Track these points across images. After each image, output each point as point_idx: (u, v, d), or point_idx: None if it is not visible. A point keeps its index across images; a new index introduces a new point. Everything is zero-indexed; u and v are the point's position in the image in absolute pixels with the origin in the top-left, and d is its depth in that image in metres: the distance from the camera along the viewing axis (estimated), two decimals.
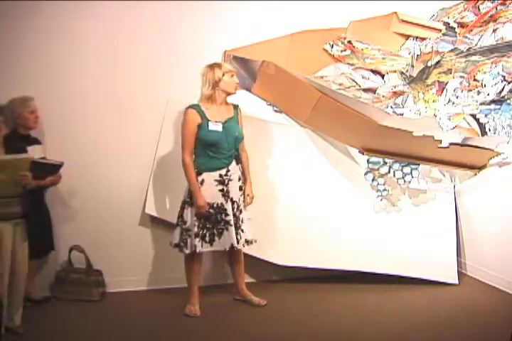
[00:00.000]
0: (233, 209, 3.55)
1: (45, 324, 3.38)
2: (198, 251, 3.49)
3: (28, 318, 3.32)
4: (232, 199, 3.55)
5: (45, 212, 3.61)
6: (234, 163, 3.57)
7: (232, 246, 3.52)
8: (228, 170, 3.53)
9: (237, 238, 3.54)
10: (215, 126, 3.46)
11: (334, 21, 4.21)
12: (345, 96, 3.72)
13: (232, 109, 3.60)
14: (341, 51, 4.21)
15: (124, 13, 3.81)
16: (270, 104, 4.07)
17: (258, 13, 4.05)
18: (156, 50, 3.89)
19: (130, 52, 3.86)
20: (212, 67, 3.49)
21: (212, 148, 3.47)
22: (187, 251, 3.52)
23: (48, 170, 3.30)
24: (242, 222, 3.59)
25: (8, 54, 3.62)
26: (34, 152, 3.29)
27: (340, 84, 4.08)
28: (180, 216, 3.54)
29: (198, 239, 3.47)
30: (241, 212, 3.60)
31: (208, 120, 3.46)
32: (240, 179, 3.61)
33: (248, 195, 3.66)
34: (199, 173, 3.48)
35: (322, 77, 4.12)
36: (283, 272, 4.09)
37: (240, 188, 3.61)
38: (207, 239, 3.49)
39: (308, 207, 4.07)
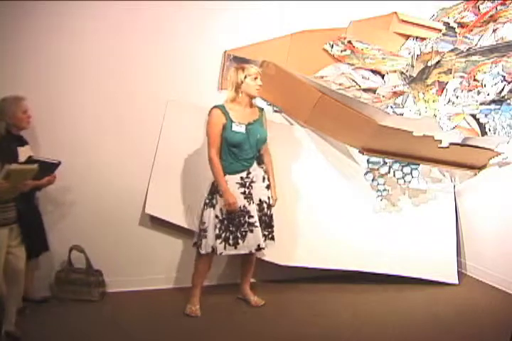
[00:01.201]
0: (262, 209, 3.56)
1: (45, 324, 3.38)
2: (220, 253, 3.49)
3: (28, 318, 3.33)
4: (259, 200, 3.55)
5: (37, 213, 3.60)
6: (255, 164, 3.56)
7: (258, 248, 3.52)
8: (249, 173, 3.52)
9: (274, 237, 3.60)
10: (238, 128, 3.46)
11: (334, 21, 4.21)
12: (345, 96, 3.72)
13: (258, 111, 3.60)
14: (341, 51, 4.21)
15: (124, 13, 3.80)
16: (270, 104, 4.07)
17: (258, 13, 4.05)
18: (156, 50, 3.88)
19: (130, 52, 3.85)
20: (237, 69, 3.49)
21: (234, 150, 3.46)
22: (202, 252, 3.52)
23: (47, 170, 3.29)
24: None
25: (8, 54, 3.61)
26: (26, 152, 3.28)
27: (340, 84, 4.09)
28: (201, 216, 3.56)
29: (219, 241, 3.46)
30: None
31: (232, 121, 3.46)
32: (264, 179, 3.60)
33: (272, 198, 3.65)
34: None
35: (322, 77, 4.12)
36: (283, 272, 4.09)
37: (267, 187, 3.61)
38: (230, 241, 3.48)
39: (308, 207, 4.07)
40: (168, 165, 3.90)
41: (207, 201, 3.52)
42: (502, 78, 3.65)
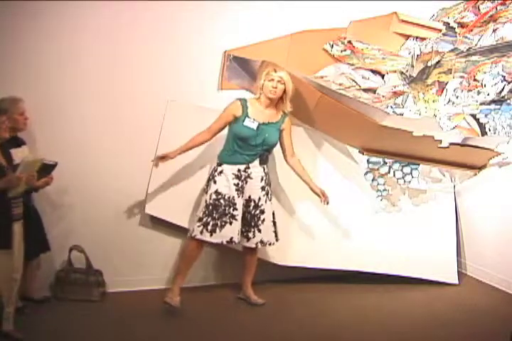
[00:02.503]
0: (248, 206, 3.61)
1: (45, 324, 3.38)
2: (194, 236, 3.54)
3: (28, 318, 3.33)
4: (248, 197, 3.60)
5: (36, 213, 3.59)
6: (257, 162, 3.61)
7: (230, 241, 3.54)
8: (248, 167, 3.58)
9: (248, 236, 3.62)
10: (250, 124, 3.54)
11: (334, 21, 4.21)
12: (345, 96, 3.72)
13: (280, 116, 3.63)
14: (341, 51, 4.20)
15: (124, 13, 3.81)
16: None
17: (258, 13, 4.05)
18: (156, 50, 3.88)
19: (130, 52, 3.85)
20: (263, 71, 3.58)
21: (240, 143, 3.56)
22: (188, 234, 3.62)
23: (44, 171, 3.28)
24: (261, 222, 3.64)
25: (7, 53, 3.61)
26: (23, 153, 3.27)
27: (340, 84, 4.08)
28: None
29: (198, 224, 3.53)
30: (262, 212, 3.64)
31: (247, 116, 3.54)
32: (262, 180, 3.64)
33: (322, 193, 3.69)
34: (219, 164, 3.60)
35: (322, 77, 4.12)
36: (283, 272, 4.09)
37: (263, 188, 3.64)
38: (209, 227, 3.52)
39: (308, 207, 4.07)
40: (168, 165, 3.89)
41: (204, 188, 3.65)
42: (502, 78, 3.65)
